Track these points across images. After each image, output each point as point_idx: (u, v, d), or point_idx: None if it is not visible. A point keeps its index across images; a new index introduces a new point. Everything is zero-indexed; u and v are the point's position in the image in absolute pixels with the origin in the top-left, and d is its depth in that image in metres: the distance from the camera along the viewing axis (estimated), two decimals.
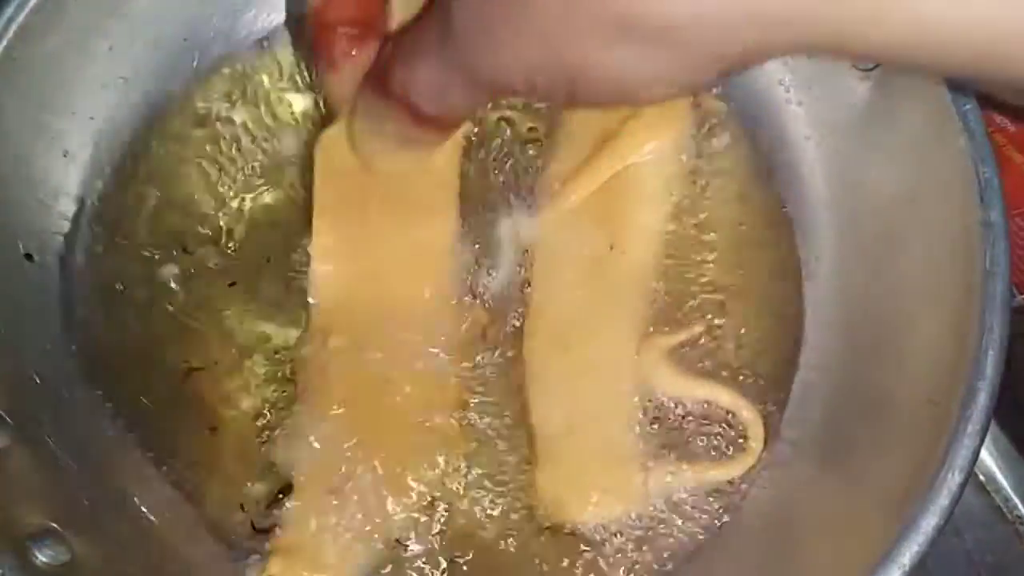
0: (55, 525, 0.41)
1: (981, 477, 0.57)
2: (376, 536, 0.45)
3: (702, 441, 0.48)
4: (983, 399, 0.39)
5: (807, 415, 0.48)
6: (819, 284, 0.50)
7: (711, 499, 0.47)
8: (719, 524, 0.46)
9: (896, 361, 0.45)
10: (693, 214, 0.51)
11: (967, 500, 0.56)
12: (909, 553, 0.38)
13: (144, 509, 0.46)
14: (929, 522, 0.38)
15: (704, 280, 0.50)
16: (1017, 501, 0.56)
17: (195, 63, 0.52)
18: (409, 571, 0.45)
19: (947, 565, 0.56)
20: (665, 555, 0.46)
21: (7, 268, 0.46)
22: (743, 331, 0.49)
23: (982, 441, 0.39)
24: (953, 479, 0.38)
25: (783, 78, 0.51)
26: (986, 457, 0.57)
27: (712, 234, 0.51)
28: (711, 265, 0.50)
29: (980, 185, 0.42)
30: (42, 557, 0.40)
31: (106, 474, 0.46)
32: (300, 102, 0.52)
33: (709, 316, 0.49)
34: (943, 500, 0.38)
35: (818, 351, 0.49)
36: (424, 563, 0.46)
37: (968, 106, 0.43)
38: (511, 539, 0.46)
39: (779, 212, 0.51)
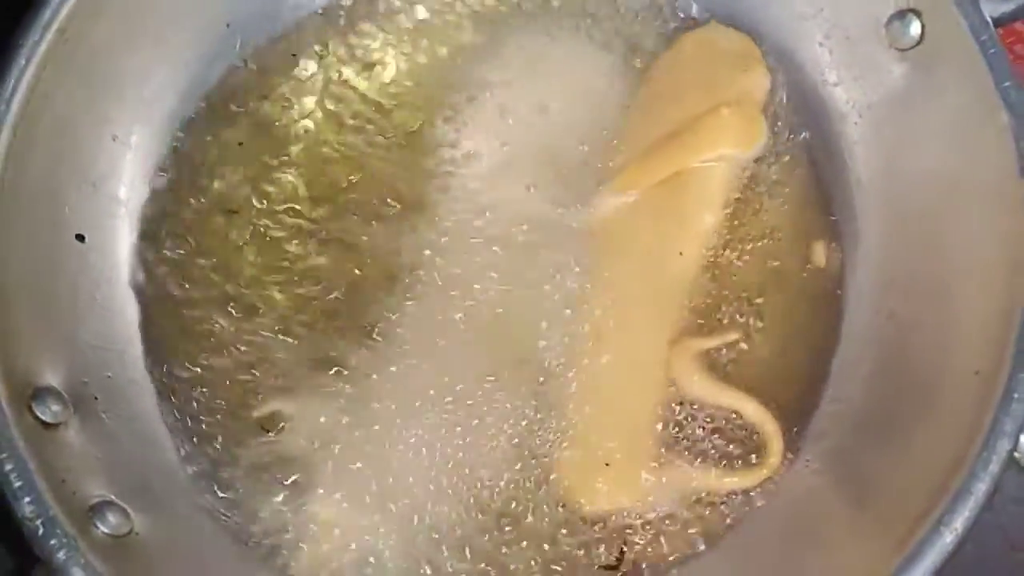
0: (115, 498, 0.41)
1: (1017, 455, 0.57)
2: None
3: (720, 448, 0.48)
4: None
5: (840, 411, 0.48)
6: (859, 267, 0.50)
7: (722, 505, 0.47)
8: (725, 530, 0.47)
9: (940, 338, 0.45)
10: (742, 219, 0.51)
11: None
12: (962, 519, 0.38)
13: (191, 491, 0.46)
14: (980, 487, 0.38)
15: (743, 289, 0.50)
16: None
17: (237, 48, 0.52)
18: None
19: (980, 539, 0.56)
20: (668, 553, 0.46)
21: (60, 248, 0.47)
22: (776, 343, 0.49)
23: None
24: (1002, 445, 0.39)
25: (820, 59, 0.52)
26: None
27: (760, 241, 0.51)
28: (752, 274, 0.51)
29: (1022, 159, 0.42)
30: (103, 528, 0.40)
31: (160, 455, 0.46)
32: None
33: (744, 324, 0.50)
34: (993, 466, 0.39)
35: (859, 337, 0.49)
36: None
37: (1008, 83, 0.43)
38: (525, 516, 0.47)
39: (826, 219, 0.51)
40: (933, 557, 0.38)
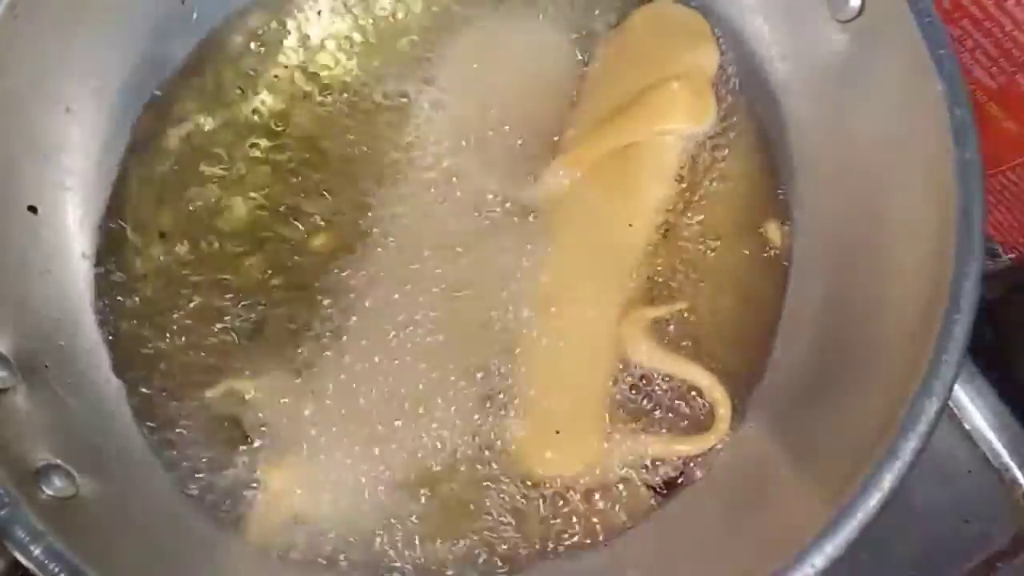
0: (61, 462, 0.42)
1: (967, 427, 0.58)
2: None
3: (670, 415, 0.49)
4: (959, 330, 0.40)
5: (782, 378, 0.49)
6: (803, 237, 0.51)
7: (671, 470, 0.48)
8: (673, 494, 0.47)
9: (877, 304, 0.46)
10: (691, 192, 0.52)
11: (954, 450, 0.57)
12: (890, 477, 0.39)
13: (144, 457, 0.47)
14: (908, 447, 0.39)
15: (692, 260, 0.51)
16: (1002, 450, 0.58)
17: (193, 22, 0.53)
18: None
19: (934, 514, 0.57)
20: (617, 517, 0.47)
21: (10, 220, 0.47)
22: (723, 313, 0.50)
23: (958, 372, 0.40)
24: (931, 405, 0.39)
25: (764, 33, 0.52)
26: (972, 409, 0.58)
27: (708, 213, 0.52)
28: (701, 245, 0.51)
29: (955, 126, 0.43)
30: (47, 491, 0.41)
31: (108, 421, 0.47)
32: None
33: (693, 294, 0.51)
34: (922, 426, 0.39)
35: (801, 306, 0.50)
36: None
37: (943, 51, 0.44)
38: (473, 480, 0.47)
39: (774, 191, 0.52)
40: (863, 512, 0.38)
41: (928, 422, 0.39)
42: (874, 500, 0.39)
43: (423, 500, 0.47)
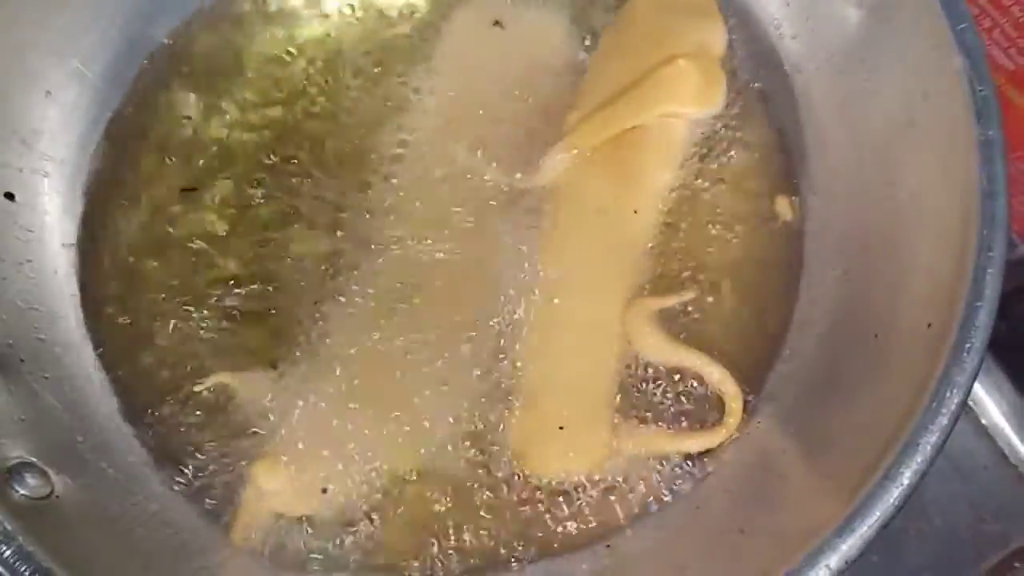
0: (36, 460, 0.40)
1: (984, 422, 0.56)
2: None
3: (678, 409, 0.47)
4: (982, 317, 0.38)
5: (794, 370, 0.47)
6: (816, 222, 0.49)
7: (678, 468, 0.46)
8: (680, 492, 0.45)
9: (894, 292, 0.44)
10: (699, 176, 0.50)
11: (969, 446, 0.55)
12: (909, 472, 0.37)
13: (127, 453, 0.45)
14: (930, 440, 0.37)
15: (700, 247, 0.49)
16: (1020, 446, 0.55)
17: (181, 2, 0.51)
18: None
19: (950, 510, 0.55)
20: (623, 515, 0.45)
21: None
22: (733, 302, 0.48)
23: (981, 362, 0.38)
24: (953, 397, 0.37)
25: (775, 10, 0.50)
26: (989, 403, 0.56)
27: (717, 198, 0.50)
28: (709, 231, 0.49)
29: (977, 103, 0.41)
30: (21, 490, 0.39)
31: (89, 418, 0.45)
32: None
33: (701, 283, 0.48)
34: (943, 419, 0.37)
35: (814, 294, 0.48)
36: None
37: (963, 25, 0.42)
38: (476, 481, 0.45)
39: (786, 174, 0.50)
40: (881, 510, 0.36)
41: (950, 414, 0.37)
42: (893, 496, 0.37)
43: (415, 498, 0.45)
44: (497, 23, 0.53)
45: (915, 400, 0.38)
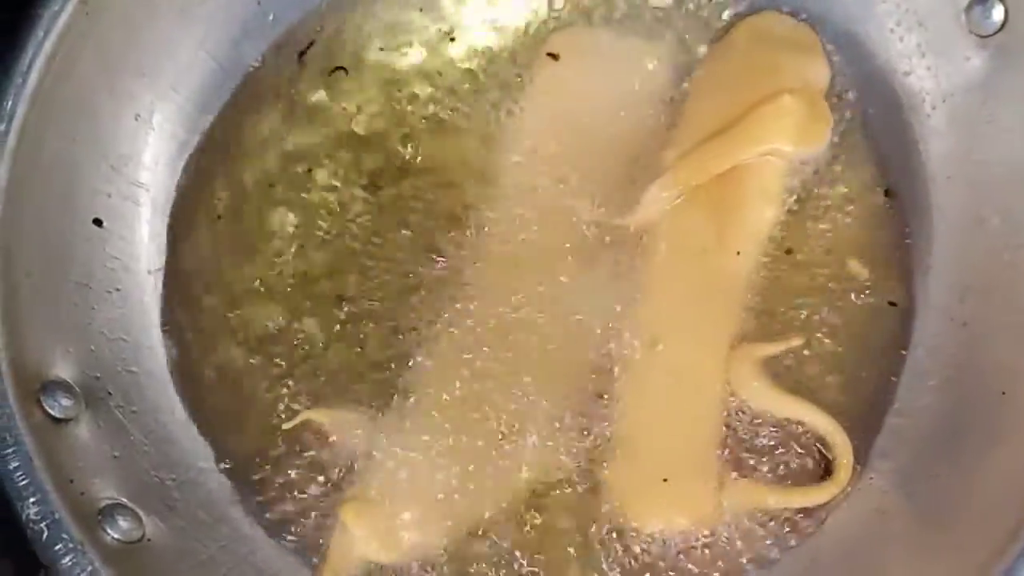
0: (127, 501, 0.39)
1: None
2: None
3: (785, 463, 0.44)
4: None
5: (908, 425, 0.45)
6: (931, 270, 0.47)
7: (784, 524, 0.44)
8: (786, 551, 0.43)
9: (1017, 346, 0.42)
10: (804, 216, 0.48)
11: None
12: None
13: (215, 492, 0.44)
14: None
15: (806, 291, 0.47)
16: None
17: (270, 25, 0.50)
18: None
19: None
20: (723, 573, 0.43)
21: (75, 233, 0.45)
22: (841, 350, 0.46)
23: None
24: None
25: (890, 46, 0.48)
26: None
27: (823, 240, 0.48)
28: (816, 274, 0.47)
29: None
30: (113, 533, 0.38)
31: (177, 454, 0.44)
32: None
33: (808, 329, 0.46)
34: None
35: (928, 345, 0.46)
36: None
37: None
38: (567, 531, 0.44)
39: (897, 224, 0.48)
40: None
41: None
42: None
43: (506, 549, 0.44)
44: (551, 55, 0.51)
45: None
